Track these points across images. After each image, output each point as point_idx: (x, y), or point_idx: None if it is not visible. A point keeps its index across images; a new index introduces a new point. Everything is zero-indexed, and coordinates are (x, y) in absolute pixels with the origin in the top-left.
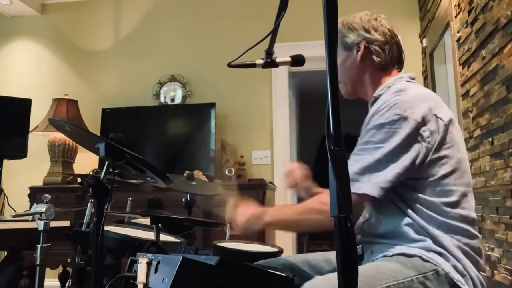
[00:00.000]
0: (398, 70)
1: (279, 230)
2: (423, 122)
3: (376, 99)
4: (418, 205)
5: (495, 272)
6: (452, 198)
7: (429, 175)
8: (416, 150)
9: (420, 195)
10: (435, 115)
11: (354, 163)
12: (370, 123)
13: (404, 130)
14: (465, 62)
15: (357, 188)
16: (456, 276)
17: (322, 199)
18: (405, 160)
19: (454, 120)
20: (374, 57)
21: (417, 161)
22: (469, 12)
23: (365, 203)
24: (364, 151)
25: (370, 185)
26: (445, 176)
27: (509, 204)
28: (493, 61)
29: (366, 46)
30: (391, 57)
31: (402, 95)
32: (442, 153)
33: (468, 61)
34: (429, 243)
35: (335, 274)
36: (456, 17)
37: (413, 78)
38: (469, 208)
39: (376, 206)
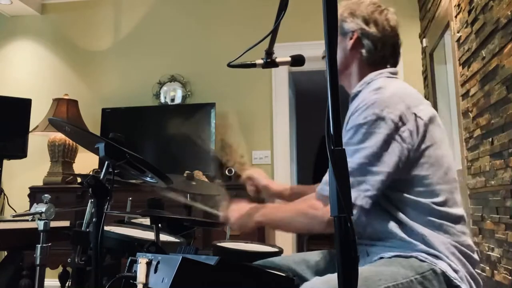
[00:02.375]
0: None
1: (271, 228)
2: (402, 122)
3: (355, 95)
4: (404, 206)
5: (495, 272)
6: (439, 198)
7: (411, 176)
8: (398, 153)
9: (406, 195)
10: (415, 114)
11: None
12: (349, 123)
13: (383, 131)
14: (465, 62)
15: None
16: (453, 274)
17: (312, 203)
18: (388, 165)
19: (435, 117)
20: (363, 51)
21: (401, 165)
22: (469, 12)
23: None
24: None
25: (362, 197)
26: (427, 176)
27: (509, 204)
28: (493, 61)
29: (359, 37)
30: (381, 56)
31: (380, 93)
32: (422, 153)
33: (468, 61)
34: (420, 243)
35: (335, 275)
36: (456, 17)
37: (394, 73)
38: (456, 205)
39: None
